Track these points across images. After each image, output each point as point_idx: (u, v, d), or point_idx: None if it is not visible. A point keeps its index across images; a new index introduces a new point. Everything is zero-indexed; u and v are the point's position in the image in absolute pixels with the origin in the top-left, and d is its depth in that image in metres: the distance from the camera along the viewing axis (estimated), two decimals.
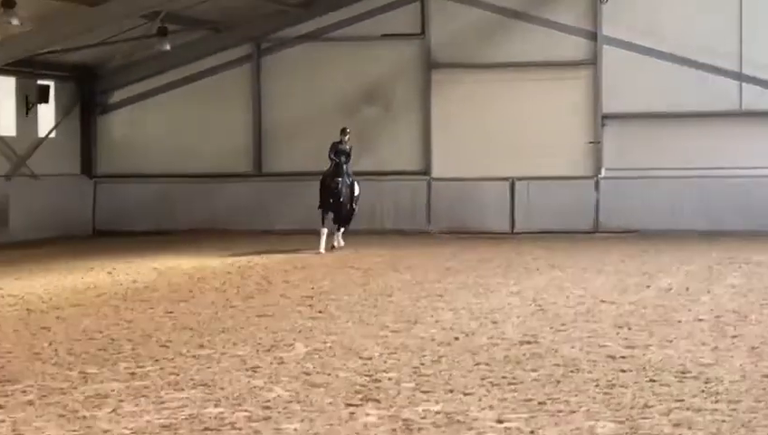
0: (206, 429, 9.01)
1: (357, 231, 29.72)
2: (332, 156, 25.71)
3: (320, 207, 25.62)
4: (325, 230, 25.34)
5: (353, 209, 26.43)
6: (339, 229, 26.06)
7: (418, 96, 31.21)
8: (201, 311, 16.01)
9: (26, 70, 29.68)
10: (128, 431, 8.94)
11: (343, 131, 26.14)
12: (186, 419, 9.36)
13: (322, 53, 31.60)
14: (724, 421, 9.10)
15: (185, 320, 15.13)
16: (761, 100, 29.19)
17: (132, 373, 11.39)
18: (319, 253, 24.69)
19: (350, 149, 26.16)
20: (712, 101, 29.40)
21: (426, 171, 31.02)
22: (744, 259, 22.52)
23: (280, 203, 31.31)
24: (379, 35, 31.22)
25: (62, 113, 31.90)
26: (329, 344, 13.06)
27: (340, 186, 25.28)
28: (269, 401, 10.04)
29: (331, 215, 25.77)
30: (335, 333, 13.93)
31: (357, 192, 26.44)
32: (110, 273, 21.45)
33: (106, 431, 8.94)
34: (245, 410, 9.65)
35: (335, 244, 25.82)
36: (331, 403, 9.93)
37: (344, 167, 25.61)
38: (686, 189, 29.42)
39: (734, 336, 13.33)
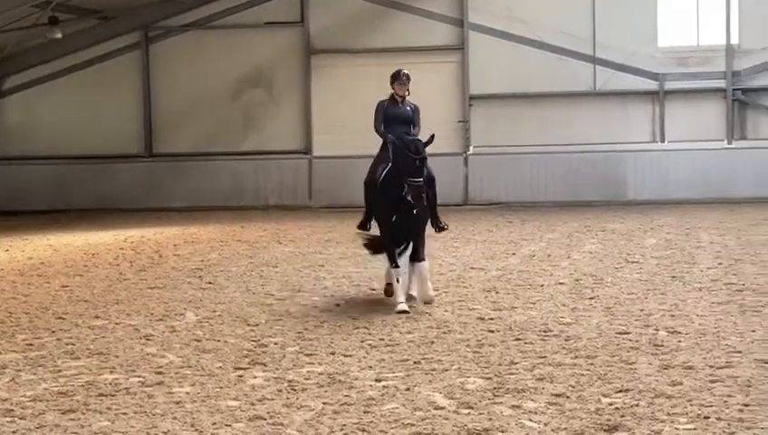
0: (101, 394, 8.90)
1: (242, 207, 29.63)
2: (382, 130, 13.60)
3: (378, 221, 13.57)
4: (403, 271, 13.18)
5: (441, 225, 14.08)
6: (415, 260, 13.34)
7: (299, 80, 31.09)
8: (96, 284, 15.78)
9: None
10: (26, 399, 8.79)
11: (397, 77, 13.65)
12: (82, 386, 9.23)
13: (208, 40, 31.31)
14: (582, 375, 9.26)
15: (80, 293, 14.90)
16: (612, 81, 29.70)
17: (30, 344, 11.20)
18: (402, 311, 12.65)
19: (416, 110, 13.97)
20: (569, 83, 29.83)
21: (307, 150, 30.94)
22: (600, 227, 22.90)
23: (171, 183, 31.02)
24: (261, 23, 31.03)
25: None
26: (218, 313, 12.99)
27: (419, 189, 12.87)
28: (161, 366, 9.96)
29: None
30: (224, 302, 13.86)
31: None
32: (6, 250, 21.00)
33: (5, 400, 8.77)
34: (139, 376, 9.56)
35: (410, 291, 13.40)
36: (220, 367, 9.88)
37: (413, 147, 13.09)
38: (548, 164, 29.82)
39: (592, 298, 13.57)
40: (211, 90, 31.08)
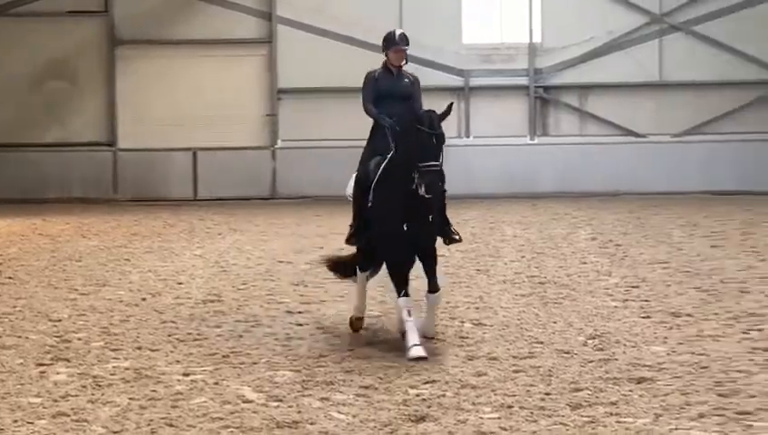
0: None
1: (45, 200, 28.86)
2: (374, 110, 11.52)
3: (377, 233, 10.61)
4: (411, 300, 10.25)
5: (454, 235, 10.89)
6: (431, 289, 10.34)
7: (104, 71, 30.45)
8: None
9: None
10: None
11: (391, 41, 11.28)
12: None
13: (7, 28, 30.35)
14: (390, 367, 9.39)
15: None
16: (418, 76, 30.05)
17: None
18: (420, 357, 9.54)
19: (415, 83, 11.45)
20: None
21: (112, 143, 30.39)
22: None
23: None
24: (63, 12, 30.29)
25: None
26: (18, 308, 12.65)
27: (437, 182, 9.68)
28: None
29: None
30: (24, 297, 13.49)
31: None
32: None
33: None
34: None
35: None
36: (21, 364, 9.64)
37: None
38: (356, 158, 29.88)
39: None
40: (11, 80, 30.10)
